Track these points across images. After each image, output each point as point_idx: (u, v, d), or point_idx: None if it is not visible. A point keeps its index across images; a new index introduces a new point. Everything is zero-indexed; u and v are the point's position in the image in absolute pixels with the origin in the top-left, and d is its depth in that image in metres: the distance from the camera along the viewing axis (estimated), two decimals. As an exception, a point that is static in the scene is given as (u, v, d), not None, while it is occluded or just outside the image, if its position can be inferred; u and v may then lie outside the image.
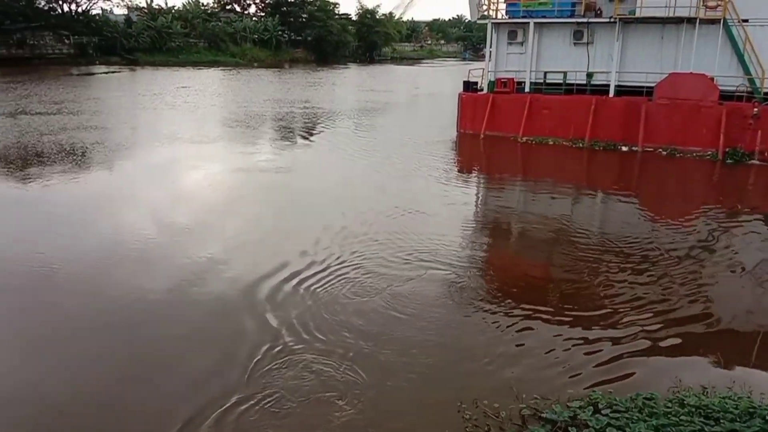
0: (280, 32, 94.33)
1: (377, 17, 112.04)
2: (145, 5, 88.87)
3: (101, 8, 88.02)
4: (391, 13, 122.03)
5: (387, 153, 23.40)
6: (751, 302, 10.32)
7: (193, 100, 40.20)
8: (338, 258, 11.59)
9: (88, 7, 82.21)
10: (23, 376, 7.69)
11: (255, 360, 7.92)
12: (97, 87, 49.48)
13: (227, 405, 6.95)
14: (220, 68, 74.99)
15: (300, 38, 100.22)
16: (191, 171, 20.20)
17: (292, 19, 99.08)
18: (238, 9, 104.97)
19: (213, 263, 11.34)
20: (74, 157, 21.43)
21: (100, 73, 61.56)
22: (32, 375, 7.68)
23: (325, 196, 17.06)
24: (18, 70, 60.91)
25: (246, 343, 8.37)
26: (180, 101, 39.43)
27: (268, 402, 7.04)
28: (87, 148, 23.10)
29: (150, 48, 79.59)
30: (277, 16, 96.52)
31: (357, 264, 11.34)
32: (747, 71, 23.40)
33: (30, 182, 17.94)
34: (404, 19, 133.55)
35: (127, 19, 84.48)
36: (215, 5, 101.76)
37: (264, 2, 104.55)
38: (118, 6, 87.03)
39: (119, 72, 64.31)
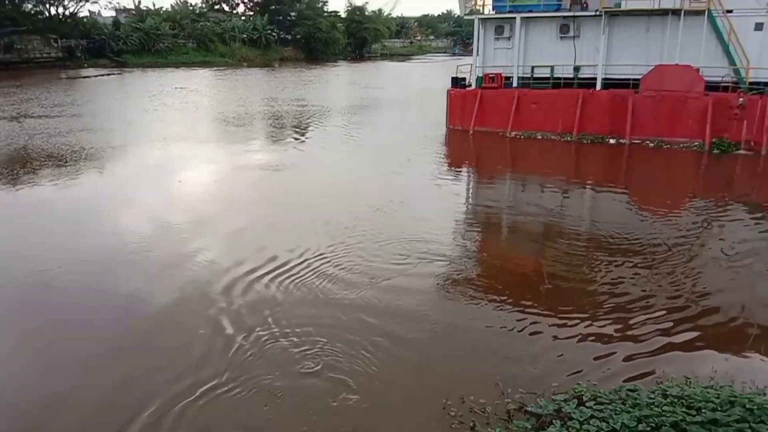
0: (269, 31, 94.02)
1: (366, 14, 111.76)
2: (133, 7, 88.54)
3: (89, 11, 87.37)
4: (380, 10, 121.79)
5: (378, 149, 23.57)
6: (741, 293, 10.44)
7: (192, 100, 40.38)
8: (332, 249, 11.93)
9: (76, 10, 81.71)
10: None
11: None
12: (93, 90, 49.34)
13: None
14: (209, 68, 74.68)
15: (289, 37, 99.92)
16: (194, 169, 20.79)
17: (281, 18, 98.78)
18: (226, 8, 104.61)
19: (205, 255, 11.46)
20: (89, 158, 22.05)
21: (92, 77, 61.30)
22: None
23: (320, 191, 17.28)
24: (8, 74, 60.72)
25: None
26: (178, 101, 39.55)
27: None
28: (97, 149, 23.62)
29: (138, 50, 79.21)
30: (266, 15, 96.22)
31: (349, 255, 11.62)
32: (732, 61, 23.57)
33: (53, 182, 18.50)
34: (393, 15, 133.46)
35: (115, 21, 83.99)
36: (203, 5, 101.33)
37: (253, 1, 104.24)
38: (106, 8, 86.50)
39: (110, 75, 63.97)
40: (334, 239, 12.68)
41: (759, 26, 23.22)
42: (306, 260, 11.47)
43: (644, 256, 11.97)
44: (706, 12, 23.32)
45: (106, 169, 20.66)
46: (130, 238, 13.14)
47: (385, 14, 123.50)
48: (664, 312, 9.54)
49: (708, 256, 12.11)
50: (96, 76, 62.58)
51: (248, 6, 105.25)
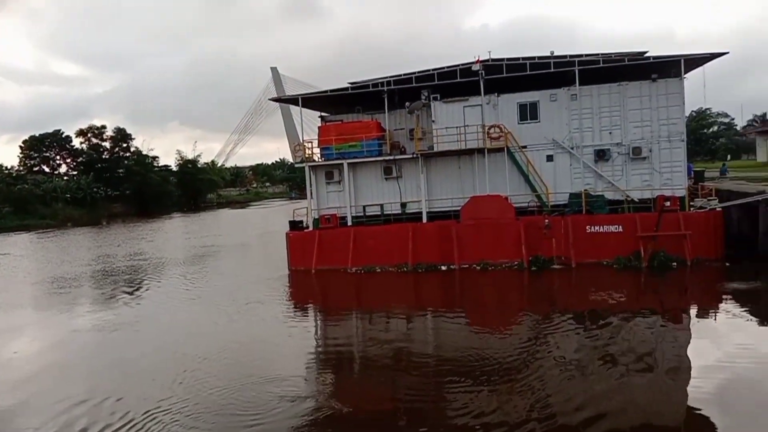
0: (95, 189, 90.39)
1: (199, 166, 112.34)
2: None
3: None
4: (213, 162, 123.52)
5: (219, 297, 22.77)
6: (580, 395, 11.21)
7: (13, 266, 36.30)
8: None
9: None
10: None
11: None
12: None
13: None
14: (30, 232, 68.94)
15: (118, 192, 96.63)
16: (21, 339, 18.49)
17: (108, 175, 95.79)
18: (47, 170, 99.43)
19: None
20: None
21: None
22: None
23: (156, 350, 15.93)
24: None
25: None
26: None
27: None
28: None
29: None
30: (92, 173, 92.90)
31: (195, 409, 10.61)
32: (533, 189, 26.87)
33: None
34: (227, 165, 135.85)
35: None
36: (21, 168, 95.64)
37: (75, 161, 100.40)
38: None
39: None
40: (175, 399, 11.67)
41: (550, 158, 27.03)
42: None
43: (489, 375, 12.47)
44: (505, 149, 26.72)
45: None
46: None
47: (218, 165, 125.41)
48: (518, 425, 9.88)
49: (547, 366, 12.93)
50: None
51: (71, 166, 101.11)
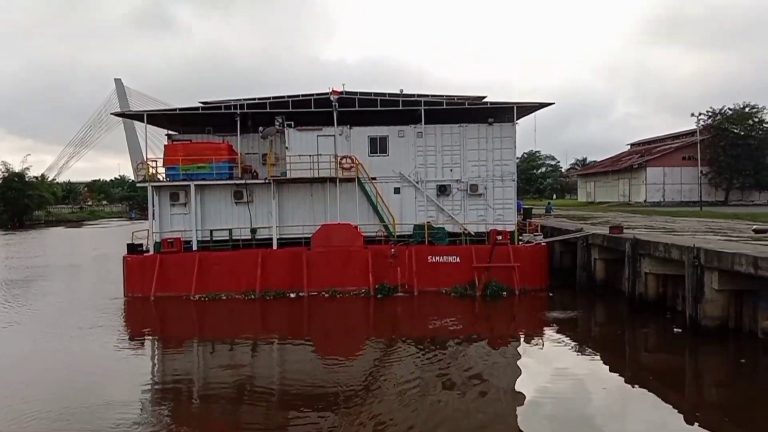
0: None
1: (26, 180, 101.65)
2: None
3: None
4: (43, 176, 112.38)
5: (47, 326, 20.78)
6: (422, 418, 11.75)
7: None
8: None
9: None
10: None
11: None
12: None
13: None
14: None
15: None
16: None
17: None
18: None
19: None
20: None
21: None
22: None
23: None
24: None
25: None
26: None
27: None
28: None
29: None
30: None
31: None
32: (381, 219, 27.89)
33: None
34: (59, 180, 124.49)
35: None
36: None
37: None
38: None
39: None
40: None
41: (397, 190, 28.31)
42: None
43: (333, 403, 12.68)
44: (356, 179, 27.52)
45: None
46: None
47: (49, 180, 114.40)
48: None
49: (390, 392, 13.41)
50: None
51: None
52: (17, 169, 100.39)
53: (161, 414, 12.66)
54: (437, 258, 26.48)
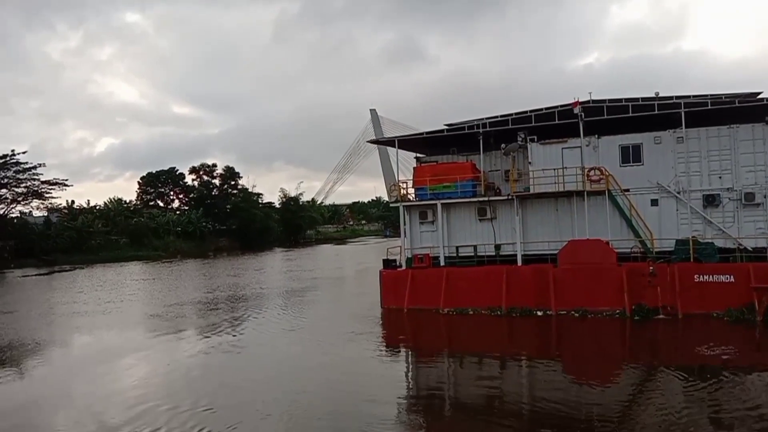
0: (203, 223, 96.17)
1: (300, 203, 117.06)
2: (65, 206, 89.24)
3: (19, 211, 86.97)
4: (313, 199, 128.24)
5: (316, 332, 23.63)
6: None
7: (119, 298, 39.19)
8: None
9: (6, 212, 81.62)
10: None
11: None
12: (27, 290, 47.53)
13: None
14: (141, 262, 74.13)
15: (224, 227, 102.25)
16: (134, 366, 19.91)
17: (216, 210, 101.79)
18: (161, 204, 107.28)
19: None
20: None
21: (18, 277, 59.36)
22: None
23: (260, 378, 16.74)
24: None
25: None
26: (116, 297, 38.42)
27: None
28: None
29: (69, 248, 78.53)
30: (201, 208, 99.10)
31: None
32: (637, 234, 25.76)
33: None
34: (326, 203, 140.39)
35: (47, 220, 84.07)
36: (138, 202, 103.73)
37: (187, 197, 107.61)
38: (38, 209, 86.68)
39: (37, 276, 61.86)
40: None
41: (654, 202, 25.93)
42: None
43: (586, 429, 11.99)
44: (606, 192, 25.90)
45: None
46: None
47: (318, 203, 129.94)
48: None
49: (650, 424, 12.23)
50: (19, 277, 60.49)
51: (183, 201, 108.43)
52: (293, 194, 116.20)
53: (417, 417, 13.52)
54: (705, 277, 23.48)
